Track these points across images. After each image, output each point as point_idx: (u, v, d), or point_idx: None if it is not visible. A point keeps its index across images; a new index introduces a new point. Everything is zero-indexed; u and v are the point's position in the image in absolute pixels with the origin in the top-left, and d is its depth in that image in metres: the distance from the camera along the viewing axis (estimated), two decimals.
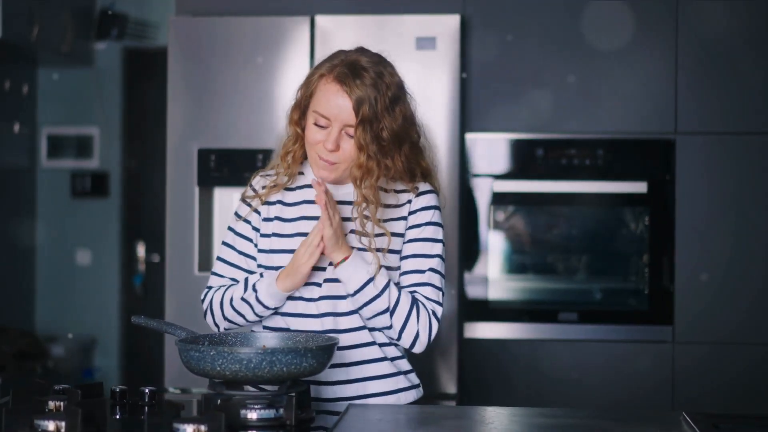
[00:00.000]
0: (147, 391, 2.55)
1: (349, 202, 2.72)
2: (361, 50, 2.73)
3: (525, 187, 4.08)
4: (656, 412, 2.57)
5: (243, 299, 2.70)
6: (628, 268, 4.09)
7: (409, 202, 2.74)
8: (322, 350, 2.44)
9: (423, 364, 3.83)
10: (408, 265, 2.71)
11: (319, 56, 3.72)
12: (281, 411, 2.36)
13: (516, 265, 4.15)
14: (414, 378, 2.81)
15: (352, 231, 2.69)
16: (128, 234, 6.12)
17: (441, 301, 2.73)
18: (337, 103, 2.61)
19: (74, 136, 6.32)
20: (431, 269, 2.71)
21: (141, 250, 6.09)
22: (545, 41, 4.06)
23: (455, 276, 3.88)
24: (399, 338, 2.69)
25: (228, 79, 3.93)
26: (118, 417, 2.48)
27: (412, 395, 2.79)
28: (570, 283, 4.14)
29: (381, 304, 2.64)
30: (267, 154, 3.76)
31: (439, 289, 2.72)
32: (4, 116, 6.04)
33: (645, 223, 4.04)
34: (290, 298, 2.69)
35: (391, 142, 2.65)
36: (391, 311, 2.65)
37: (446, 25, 3.88)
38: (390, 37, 3.88)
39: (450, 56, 3.88)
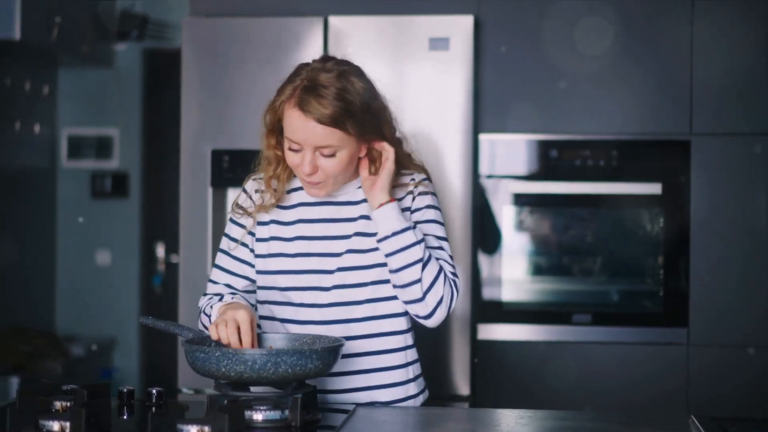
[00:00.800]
0: (154, 391, 2.57)
1: (352, 202, 2.71)
2: (322, 61, 2.64)
3: (538, 189, 4.06)
4: (666, 416, 2.55)
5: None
6: (642, 270, 4.06)
7: (411, 193, 2.71)
8: (327, 351, 2.44)
9: (436, 364, 3.83)
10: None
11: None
12: (287, 412, 2.37)
13: (530, 267, 4.13)
14: (421, 382, 2.81)
15: (356, 234, 2.67)
16: (148, 234, 6.13)
17: (457, 276, 2.68)
18: (303, 129, 2.55)
19: (94, 136, 6.34)
20: (441, 247, 2.68)
21: (160, 251, 6.10)
22: (559, 41, 4.04)
23: (468, 277, 3.86)
24: (423, 298, 2.61)
25: (241, 79, 3.93)
26: (125, 417, 2.49)
27: (419, 401, 2.79)
28: (584, 284, 4.11)
29: (416, 253, 2.58)
30: None
31: (453, 266, 2.68)
32: (24, 117, 6.06)
33: (660, 225, 4.01)
34: (300, 305, 2.68)
35: (370, 134, 2.62)
36: (423, 263, 2.59)
37: (460, 26, 3.86)
38: (403, 37, 3.87)
39: (463, 57, 3.86)
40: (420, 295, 2.61)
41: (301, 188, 2.73)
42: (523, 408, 2.65)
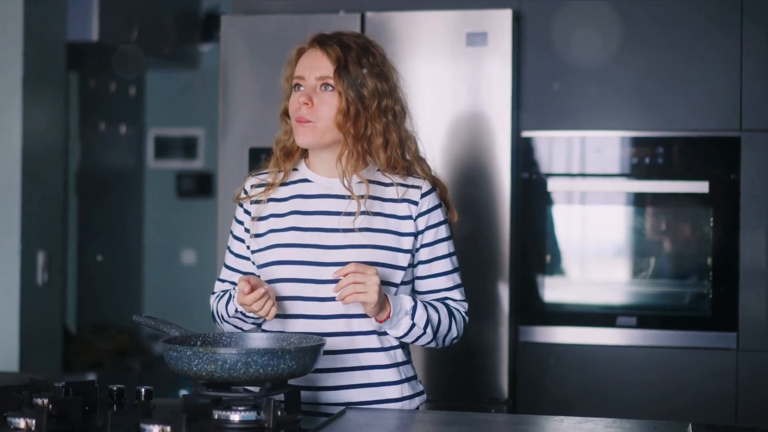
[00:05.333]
0: (143, 390, 2.58)
1: (341, 196, 2.67)
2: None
3: (581, 187, 3.96)
4: (664, 423, 2.45)
5: (235, 316, 2.70)
6: (690, 272, 3.92)
7: (414, 203, 2.68)
8: (303, 352, 2.39)
9: (473, 367, 3.76)
10: (436, 267, 2.71)
11: None
12: (262, 414, 2.34)
13: (572, 267, 4.02)
14: (417, 385, 2.76)
15: (354, 229, 2.64)
16: None
17: (465, 297, 2.77)
18: (312, 59, 2.65)
19: (180, 137, 6.42)
20: (455, 268, 2.74)
21: None
22: (603, 35, 3.92)
23: (507, 278, 3.78)
24: (438, 346, 2.73)
25: (279, 76, 3.91)
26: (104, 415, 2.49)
27: (415, 403, 2.74)
28: (628, 286, 3.98)
29: (425, 339, 2.67)
30: None
31: (462, 284, 2.76)
32: (110, 118, 6.17)
33: (709, 225, 3.86)
34: (301, 298, 2.65)
35: (371, 96, 2.63)
36: (435, 338, 2.68)
37: (498, 20, 3.78)
38: (440, 33, 3.81)
39: (502, 52, 3.78)
40: (434, 346, 2.73)
41: (296, 181, 2.72)
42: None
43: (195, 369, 2.36)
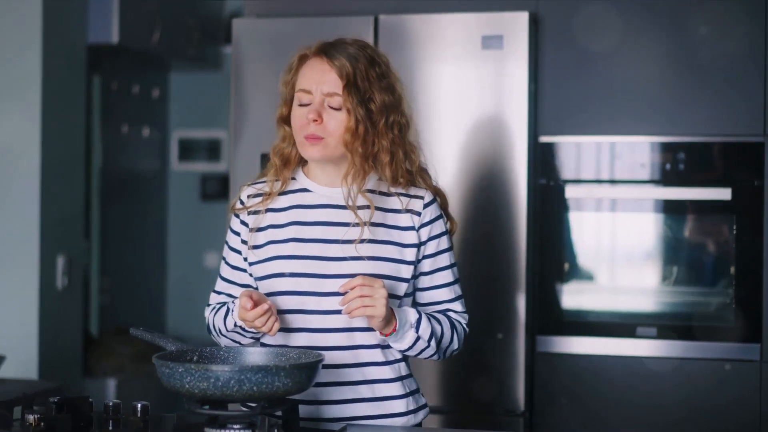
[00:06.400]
0: (139, 406, 2.53)
1: (342, 206, 2.62)
2: (341, 38, 2.69)
3: (600, 193, 3.87)
4: None
5: (234, 330, 2.64)
6: (712, 281, 3.82)
7: (417, 213, 2.64)
8: (298, 369, 2.33)
9: (488, 378, 3.68)
10: (438, 278, 2.68)
11: None
12: None
13: (591, 275, 3.92)
14: (421, 398, 2.71)
15: (345, 241, 2.58)
16: None
17: (465, 308, 2.75)
18: (318, 72, 2.58)
19: (204, 139, 6.38)
20: (456, 279, 2.70)
21: None
22: (624, 38, 3.82)
23: (524, 286, 3.69)
24: (438, 359, 2.70)
25: None
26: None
27: (420, 417, 2.69)
28: (648, 295, 3.88)
29: (429, 351, 2.63)
30: None
31: (462, 296, 2.73)
32: (132, 120, 6.14)
33: (732, 232, 3.75)
34: (303, 311, 2.59)
35: (379, 113, 2.58)
36: (438, 351, 2.64)
37: (514, 23, 3.70)
38: (455, 36, 3.74)
39: (519, 55, 3.70)
40: (436, 358, 2.68)
41: (294, 191, 2.67)
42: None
43: (187, 386, 2.31)
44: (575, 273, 3.89)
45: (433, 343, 2.60)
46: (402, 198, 2.64)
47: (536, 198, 3.83)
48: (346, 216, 2.61)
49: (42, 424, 2.36)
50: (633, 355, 3.79)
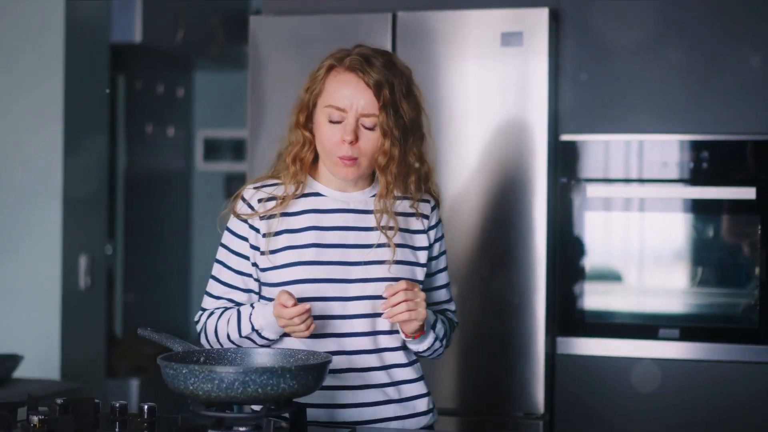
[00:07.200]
0: (146, 407, 2.52)
1: (359, 210, 2.61)
2: (361, 45, 2.64)
3: (622, 192, 3.80)
4: None
5: (246, 336, 2.60)
6: (736, 282, 3.75)
7: (426, 217, 2.68)
8: (304, 371, 2.29)
9: (508, 380, 3.63)
10: (439, 280, 2.75)
11: (401, 54, 3.59)
12: None
13: (612, 276, 3.86)
14: (429, 402, 2.69)
15: (376, 245, 2.59)
16: None
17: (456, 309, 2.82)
18: (354, 91, 2.52)
19: (229, 138, 6.35)
20: (449, 281, 2.80)
21: None
22: (646, 35, 3.76)
23: (543, 286, 3.64)
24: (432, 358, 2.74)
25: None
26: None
27: (426, 420, 2.67)
28: (671, 296, 3.81)
29: (438, 351, 2.68)
30: None
31: (453, 301, 2.82)
32: (156, 120, 6.12)
33: (757, 232, 3.68)
34: (329, 317, 2.57)
35: (409, 130, 2.57)
36: (441, 342, 2.67)
37: (534, 19, 3.65)
38: (473, 32, 3.69)
39: (539, 52, 3.64)
40: (431, 358, 2.73)
41: (308, 195, 2.63)
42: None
43: (191, 388, 2.28)
44: (596, 273, 3.84)
45: (444, 342, 2.66)
46: (414, 202, 2.66)
47: (557, 197, 3.78)
48: (361, 220, 2.60)
49: (45, 425, 2.34)
50: (655, 357, 3.73)
